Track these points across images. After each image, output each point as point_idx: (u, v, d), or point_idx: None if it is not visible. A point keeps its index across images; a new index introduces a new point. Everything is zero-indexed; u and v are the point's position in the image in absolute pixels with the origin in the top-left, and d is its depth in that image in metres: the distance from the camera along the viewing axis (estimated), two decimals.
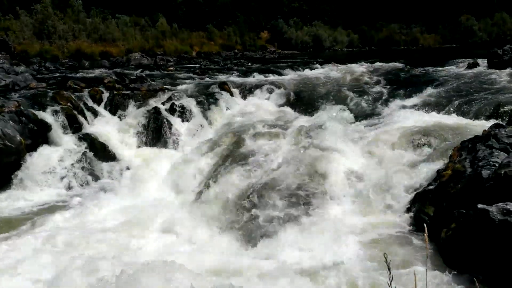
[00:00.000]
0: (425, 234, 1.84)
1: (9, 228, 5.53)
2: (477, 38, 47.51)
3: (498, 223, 3.30)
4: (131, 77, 11.57)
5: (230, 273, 4.03)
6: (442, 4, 49.43)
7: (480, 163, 4.22)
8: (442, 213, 4.23)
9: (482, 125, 5.85)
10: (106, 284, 3.41)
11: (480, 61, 12.94)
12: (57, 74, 13.95)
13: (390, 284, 1.73)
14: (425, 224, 2.01)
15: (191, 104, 9.43)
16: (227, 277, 3.88)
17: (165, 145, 8.63)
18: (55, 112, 8.07)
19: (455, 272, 3.54)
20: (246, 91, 10.83)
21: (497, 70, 10.80)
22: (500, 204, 3.43)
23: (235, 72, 14.69)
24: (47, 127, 7.65)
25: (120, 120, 9.11)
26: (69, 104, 8.54)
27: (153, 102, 9.52)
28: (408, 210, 4.72)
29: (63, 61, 20.32)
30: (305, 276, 3.81)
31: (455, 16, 48.93)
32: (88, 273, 3.83)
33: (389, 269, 1.78)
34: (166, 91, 10.26)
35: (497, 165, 4.02)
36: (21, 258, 4.59)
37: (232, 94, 10.43)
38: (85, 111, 8.84)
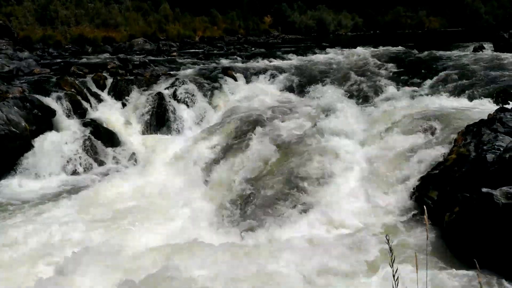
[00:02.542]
0: (425, 216, 1.85)
1: (14, 213, 5.59)
2: (483, 21, 46.90)
3: (502, 207, 3.31)
4: (135, 62, 11.55)
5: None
6: None
7: (484, 147, 4.21)
8: (446, 197, 4.23)
9: (487, 109, 5.81)
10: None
11: (486, 44, 12.82)
12: (60, 60, 13.94)
13: (392, 265, 1.75)
14: (425, 206, 2.03)
15: (194, 89, 9.42)
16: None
17: (169, 130, 8.65)
18: (59, 98, 8.08)
19: (457, 256, 3.56)
20: (250, 76, 10.79)
21: (503, 54, 10.69)
22: (504, 188, 3.43)
23: (238, 57, 14.62)
24: (51, 112, 7.67)
25: (124, 105, 9.11)
26: (73, 89, 8.55)
27: (156, 88, 9.52)
28: (412, 194, 4.73)
29: (66, 46, 20.28)
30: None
31: None
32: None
33: (391, 250, 1.80)
34: (170, 76, 10.24)
35: (502, 149, 4.01)
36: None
37: (235, 79, 10.40)
38: (89, 97, 8.85)
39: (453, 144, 4.88)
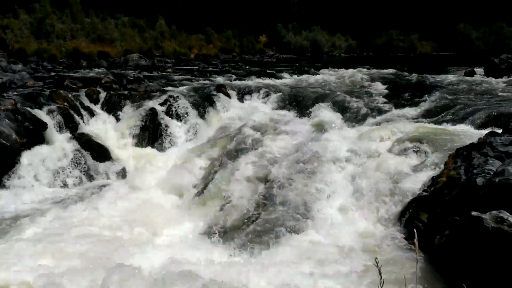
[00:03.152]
0: (415, 240, 1.85)
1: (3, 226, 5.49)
2: (475, 47, 47.80)
3: (492, 231, 3.31)
4: (129, 77, 11.57)
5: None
6: (440, 12, 49.75)
7: (475, 171, 4.23)
8: (436, 220, 4.23)
9: (477, 133, 5.87)
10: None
11: (477, 69, 13.03)
12: (54, 73, 13.93)
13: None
14: (415, 230, 2.02)
15: (188, 105, 9.44)
16: None
17: (161, 146, 8.63)
18: (51, 111, 8.04)
19: (447, 280, 3.54)
20: (244, 94, 10.85)
21: (494, 79, 10.87)
22: (494, 211, 3.43)
23: (233, 75, 14.71)
24: (43, 125, 7.62)
25: (117, 120, 9.09)
26: (65, 103, 8.52)
27: (150, 103, 9.51)
28: (402, 216, 4.72)
29: (60, 60, 20.34)
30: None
31: (453, 24, 49.26)
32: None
33: (380, 273, 1.78)
34: (164, 92, 10.26)
35: (491, 173, 4.03)
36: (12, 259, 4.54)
37: (229, 97, 10.45)
38: (82, 111, 8.82)
39: (443, 167, 4.91)
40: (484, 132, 5.49)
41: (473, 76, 12.19)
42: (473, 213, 3.50)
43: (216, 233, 5.26)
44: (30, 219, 5.67)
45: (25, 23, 23.02)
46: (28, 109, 7.71)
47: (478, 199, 3.86)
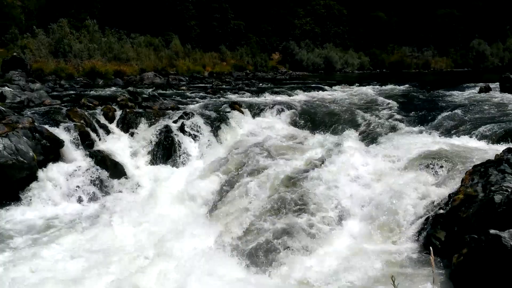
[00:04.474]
0: (431, 258, 1.82)
1: (17, 243, 5.55)
2: (489, 63, 47.47)
3: (511, 249, 3.24)
4: (144, 95, 11.74)
5: None
6: (454, 28, 49.65)
7: (492, 188, 4.17)
8: (453, 238, 4.16)
9: (494, 149, 5.79)
10: None
11: (492, 85, 12.91)
12: (72, 92, 14.20)
13: None
14: (431, 248, 2.00)
15: (202, 123, 9.51)
16: None
17: (175, 163, 8.68)
18: (68, 129, 8.17)
19: None
20: (257, 111, 10.91)
21: (510, 94, 10.75)
22: None
23: (246, 92, 14.82)
24: (59, 143, 7.74)
25: (132, 137, 9.20)
26: (82, 121, 8.66)
27: (164, 121, 9.62)
28: (419, 234, 4.65)
29: (77, 79, 20.71)
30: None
31: (467, 40, 49.09)
32: None
33: None
34: (178, 109, 10.37)
35: (509, 190, 3.97)
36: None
37: (243, 113, 10.52)
38: (98, 128, 8.95)
39: (460, 184, 4.84)
40: (501, 148, 5.42)
41: (489, 92, 12.08)
42: (491, 231, 3.44)
43: (229, 249, 5.24)
44: (46, 235, 5.73)
45: (43, 43, 23.60)
46: (46, 126, 7.85)
47: (496, 216, 3.79)
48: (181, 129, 9.28)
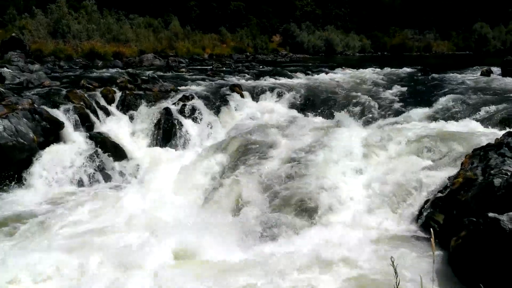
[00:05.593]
0: (431, 240, 1.84)
1: (18, 224, 5.58)
2: (491, 46, 47.08)
3: (509, 232, 3.27)
4: (143, 77, 11.66)
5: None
6: (456, 11, 49.09)
7: (492, 171, 4.18)
8: (452, 221, 4.19)
9: (494, 133, 5.80)
10: None
11: (494, 69, 12.83)
12: (71, 73, 14.10)
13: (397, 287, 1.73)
14: (431, 230, 2.01)
15: (201, 105, 9.49)
16: None
17: (175, 145, 8.69)
18: (67, 110, 8.16)
19: (463, 281, 3.51)
20: (257, 94, 10.86)
21: (511, 78, 10.69)
22: (511, 213, 3.39)
23: (246, 74, 14.70)
24: (59, 125, 7.73)
25: (132, 120, 9.18)
26: (81, 103, 8.63)
27: (164, 103, 9.59)
28: (418, 217, 4.68)
29: (76, 60, 20.54)
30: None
31: (469, 24, 48.58)
32: None
33: (395, 273, 1.78)
34: (178, 92, 10.32)
35: (509, 173, 3.98)
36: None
37: (243, 96, 10.47)
38: (97, 110, 8.93)
39: (459, 167, 4.86)
40: (501, 132, 5.42)
41: (490, 76, 12.01)
42: (490, 214, 3.46)
43: (230, 233, 5.28)
44: (47, 216, 5.77)
45: (41, 24, 23.32)
46: (45, 108, 7.83)
47: (495, 200, 3.81)
48: (181, 111, 9.26)
